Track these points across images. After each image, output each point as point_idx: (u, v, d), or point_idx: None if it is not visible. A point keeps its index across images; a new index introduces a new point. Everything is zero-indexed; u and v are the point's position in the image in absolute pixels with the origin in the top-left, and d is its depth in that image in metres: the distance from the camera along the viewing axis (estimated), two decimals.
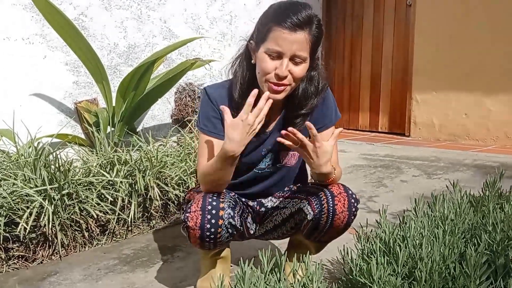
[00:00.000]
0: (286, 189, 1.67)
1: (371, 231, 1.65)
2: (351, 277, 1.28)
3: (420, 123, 4.44)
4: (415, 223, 1.28)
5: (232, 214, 1.43)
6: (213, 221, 1.40)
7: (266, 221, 1.65)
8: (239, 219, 1.46)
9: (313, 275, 1.13)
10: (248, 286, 1.13)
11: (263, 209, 1.65)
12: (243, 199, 1.65)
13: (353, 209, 1.46)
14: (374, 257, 1.30)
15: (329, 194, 1.47)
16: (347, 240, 1.86)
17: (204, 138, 1.52)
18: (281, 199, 1.64)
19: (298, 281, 1.18)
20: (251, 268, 1.18)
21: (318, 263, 1.25)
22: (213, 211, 1.40)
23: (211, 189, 1.47)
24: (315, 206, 1.48)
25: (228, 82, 1.55)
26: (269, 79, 1.40)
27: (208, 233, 1.41)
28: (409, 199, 2.67)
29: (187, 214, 1.42)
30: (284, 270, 1.62)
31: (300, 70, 1.40)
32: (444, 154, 3.69)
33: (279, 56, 1.37)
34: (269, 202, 1.65)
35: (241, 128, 1.33)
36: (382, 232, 1.38)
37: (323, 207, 1.45)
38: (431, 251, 1.24)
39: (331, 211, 1.44)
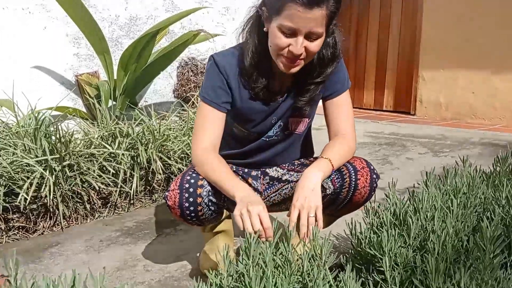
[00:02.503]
0: (296, 162, 1.62)
1: (379, 205, 1.61)
2: (360, 249, 1.25)
3: (426, 102, 4.37)
4: (427, 195, 1.23)
5: (213, 191, 1.36)
6: (191, 199, 1.34)
7: (272, 193, 1.61)
8: (222, 195, 1.38)
9: (322, 247, 1.10)
10: (254, 257, 1.09)
11: (267, 178, 1.60)
12: (246, 170, 1.60)
13: (374, 185, 1.42)
14: (384, 229, 1.26)
15: (351, 169, 1.41)
16: (353, 215, 1.82)
17: (204, 108, 1.43)
18: (291, 172, 1.59)
19: (306, 252, 1.15)
20: (258, 238, 1.14)
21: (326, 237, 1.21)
22: (191, 189, 1.35)
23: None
24: (336, 180, 1.42)
25: (237, 49, 1.47)
26: (283, 54, 1.32)
27: (188, 212, 1.35)
28: (415, 176, 2.64)
29: (167, 193, 1.37)
30: (292, 243, 1.60)
31: (315, 46, 1.31)
32: (451, 133, 3.63)
33: (293, 33, 1.29)
34: (274, 172, 1.60)
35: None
36: (392, 205, 1.33)
37: (344, 181, 1.40)
38: (444, 224, 1.20)
39: (352, 185, 1.39)
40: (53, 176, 2.00)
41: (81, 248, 1.87)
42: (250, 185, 1.58)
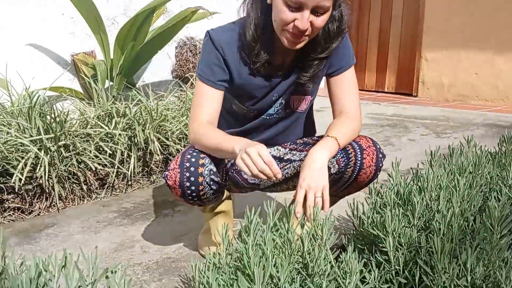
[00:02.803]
0: (298, 141, 1.57)
1: (381, 186, 1.58)
2: (362, 230, 1.21)
3: (428, 83, 4.31)
4: (432, 175, 1.19)
5: (214, 170, 1.32)
6: (192, 179, 1.30)
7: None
8: (223, 175, 1.35)
9: (323, 226, 1.06)
10: (253, 237, 1.06)
11: None
12: None
13: (380, 165, 1.37)
14: (388, 209, 1.22)
15: (357, 147, 1.36)
16: (355, 195, 1.78)
17: (200, 86, 1.38)
18: (293, 151, 1.54)
19: (306, 232, 1.11)
20: (257, 219, 1.11)
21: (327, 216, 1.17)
22: (192, 168, 1.30)
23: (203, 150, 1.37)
24: (341, 159, 1.37)
25: (237, 24, 1.41)
26: (288, 29, 1.26)
27: (189, 191, 1.32)
28: (418, 157, 2.60)
29: (166, 173, 1.33)
30: (292, 222, 1.57)
31: (321, 20, 1.25)
32: (453, 114, 3.58)
33: (299, 7, 1.22)
34: (275, 151, 1.56)
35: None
36: (396, 185, 1.29)
37: (350, 160, 1.36)
38: (449, 203, 1.16)
39: (358, 165, 1.34)
40: (48, 156, 1.96)
41: (78, 229, 1.84)
42: None
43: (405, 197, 1.21)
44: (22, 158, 1.95)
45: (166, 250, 1.63)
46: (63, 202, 2.09)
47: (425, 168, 1.55)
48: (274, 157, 1.55)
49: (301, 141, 1.57)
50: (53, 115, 2.08)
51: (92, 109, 2.36)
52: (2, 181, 1.92)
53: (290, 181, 1.56)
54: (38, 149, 1.96)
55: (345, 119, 1.41)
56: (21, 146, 1.98)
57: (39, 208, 2.04)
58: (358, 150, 1.35)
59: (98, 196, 2.20)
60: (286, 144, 1.56)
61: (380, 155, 1.37)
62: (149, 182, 2.39)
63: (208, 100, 1.37)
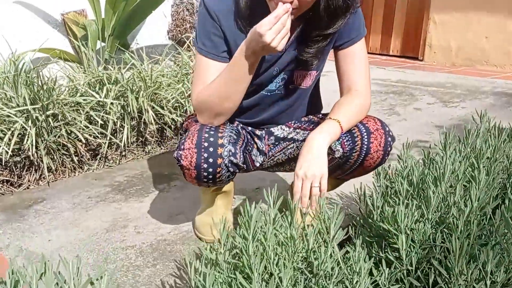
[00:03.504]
0: (303, 119, 1.46)
1: (389, 166, 1.48)
2: (371, 220, 1.12)
3: (435, 46, 4.14)
4: (447, 162, 1.09)
5: (233, 151, 1.22)
6: (210, 160, 1.19)
7: (277, 153, 1.46)
8: (241, 156, 1.25)
9: (331, 221, 0.97)
10: (253, 232, 0.97)
11: (272, 138, 1.45)
12: (249, 128, 1.45)
13: (389, 149, 1.26)
14: (398, 198, 1.13)
15: (364, 131, 1.25)
16: (361, 177, 1.69)
17: (202, 60, 1.26)
18: (297, 130, 1.44)
19: (312, 226, 1.02)
20: (259, 208, 1.01)
21: (336, 203, 1.08)
22: (211, 149, 1.19)
23: (211, 119, 1.26)
24: (345, 143, 1.26)
25: None
26: None
27: (205, 173, 1.21)
28: (424, 128, 2.50)
29: (180, 152, 1.22)
30: (296, 217, 1.48)
31: None
32: (461, 80, 3.45)
33: None
34: (279, 130, 1.45)
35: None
36: (408, 172, 1.19)
37: (355, 144, 1.25)
38: (466, 194, 1.06)
39: (364, 149, 1.24)
40: (36, 127, 1.85)
41: (68, 205, 1.75)
42: (255, 145, 1.44)
43: (418, 187, 1.11)
44: (9, 129, 1.84)
45: (161, 231, 1.55)
46: (53, 175, 1.99)
47: (436, 148, 1.45)
48: (278, 137, 1.45)
49: (306, 119, 1.46)
50: (40, 83, 1.95)
51: (82, 75, 2.23)
52: None
53: (293, 162, 1.46)
54: (25, 119, 1.85)
55: (352, 98, 1.29)
56: (7, 117, 1.86)
57: (29, 180, 1.95)
58: (365, 134, 1.25)
59: (90, 167, 2.11)
60: (290, 123, 1.45)
61: (389, 139, 1.26)
62: (144, 153, 2.29)
63: (210, 74, 1.25)
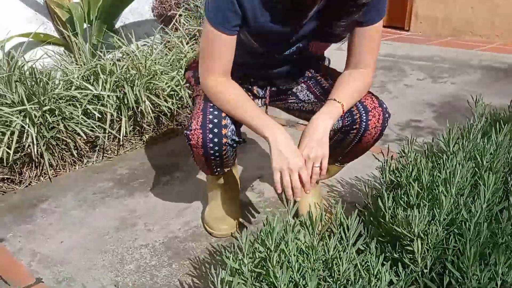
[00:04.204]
0: (307, 74, 1.47)
1: (392, 158, 1.52)
2: (382, 221, 1.17)
3: (422, 17, 4.14)
4: (457, 166, 1.13)
5: (235, 129, 1.29)
6: (216, 140, 1.26)
7: (278, 102, 1.52)
8: (240, 131, 1.33)
9: (351, 227, 1.01)
10: (275, 242, 1.00)
11: (274, 88, 1.48)
12: (251, 79, 1.47)
13: (386, 125, 1.31)
14: (409, 199, 1.18)
15: (362, 109, 1.28)
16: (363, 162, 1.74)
17: (211, 32, 1.22)
18: (302, 85, 1.46)
19: (324, 226, 1.07)
20: (279, 223, 1.05)
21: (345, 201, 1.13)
22: (215, 130, 1.26)
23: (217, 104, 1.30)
24: (346, 120, 1.31)
25: None
26: None
27: (212, 151, 1.29)
28: (416, 107, 2.54)
29: (188, 132, 1.28)
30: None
31: None
32: (448, 53, 3.49)
33: None
34: (282, 81, 1.47)
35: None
36: (415, 170, 1.24)
37: (355, 120, 1.29)
38: (474, 194, 1.12)
39: (363, 127, 1.28)
40: (35, 126, 1.83)
41: (74, 203, 1.76)
42: (255, 94, 1.48)
43: (428, 189, 1.16)
44: (8, 126, 1.82)
45: (171, 227, 1.58)
46: (54, 170, 1.99)
47: (440, 143, 1.50)
48: (281, 90, 1.48)
49: (310, 74, 1.47)
50: (34, 78, 1.91)
51: (74, 66, 2.18)
52: None
53: (301, 113, 1.51)
54: (23, 117, 1.82)
55: (358, 77, 1.31)
56: (5, 117, 1.83)
57: (29, 177, 1.94)
58: (363, 112, 1.29)
59: (89, 160, 2.10)
60: (295, 76, 1.46)
61: (387, 115, 1.31)
62: (141, 142, 2.29)
63: (223, 48, 1.24)
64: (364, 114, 1.29)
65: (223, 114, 1.28)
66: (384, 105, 1.31)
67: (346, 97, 1.27)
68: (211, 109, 1.28)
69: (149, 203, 1.75)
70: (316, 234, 1.05)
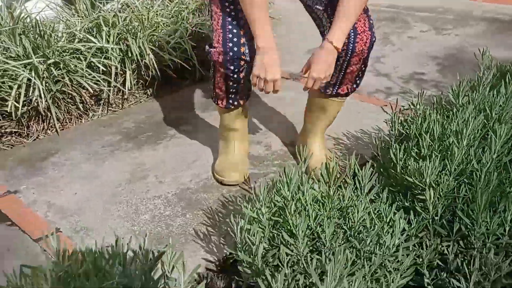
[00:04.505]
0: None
1: (400, 110, 1.54)
2: (393, 171, 1.20)
3: None
4: (470, 118, 1.15)
5: (250, 45, 1.38)
6: (235, 56, 1.37)
7: None
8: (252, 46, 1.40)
9: (365, 178, 1.04)
10: (292, 192, 1.04)
11: None
12: None
13: (371, 48, 1.39)
14: (417, 150, 1.21)
15: (352, 32, 1.34)
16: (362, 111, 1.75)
17: None
18: (326, 16, 1.46)
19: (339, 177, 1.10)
20: (297, 175, 1.07)
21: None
22: (235, 49, 1.37)
23: None
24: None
25: None
26: None
27: (232, 67, 1.39)
28: (420, 59, 2.53)
29: (211, 49, 1.40)
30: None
31: None
32: (450, 4, 3.43)
33: None
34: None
35: None
36: (426, 122, 1.26)
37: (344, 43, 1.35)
38: (486, 148, 1.14)
39: (350, 49, 1.36)
40: (42, 79, 1.81)
41: (83, 156, 1.78)
42: None
43: (439, 141, 1.18)
44: (14, 80, 1.80)
45: (182, 179, 1.62)
46: (60, 123, 1.99)
47: (449, 95, 1.51)
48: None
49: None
50: (38, 31, 1.88)
51: (77, 19, 2.14)
52: None
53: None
54: (29, 70, 1.80)
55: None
56: (12, 70, 1.81)
57: (37, 130, 1.95)
58: (352, 35, 1.35)
59: (95, 113, 2.11)
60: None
61: (373, 39, 1.38)
62: (145, 96, 2.28)
63: None
64: (352, 37, 1.36)
65: (242, 32, 1.37)
66: (373, 29, 1.40)
67: (349, 24, 1.32)
68: (229, 26, 1.37)
69: (157, 156, 1.77)
70: (332, 184, 1.08)
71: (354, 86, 1.50)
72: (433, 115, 1.22)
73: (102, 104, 2.14)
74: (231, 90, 1.47)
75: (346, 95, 1.52)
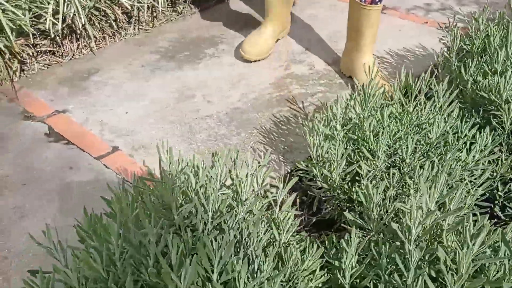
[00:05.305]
0: None
1: (456, 26, 1.50)
2: (463, 87, 1.19)
3: None
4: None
5: None
6: None
7: None
8: None
9: (445, 99, 1.03)
10: (369, 108, 1.03)
11: None
12: None
13: None
14: (487, 66, 1.19)
15: None
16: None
17: None
18: None
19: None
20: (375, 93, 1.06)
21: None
22: None
23: None
24: None
25: None
26: None
27: None
28: None
29: None
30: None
31: None
32: None
33: None
34: None
35: None
36: (496, 37, 1.22)
37: None
38: None
39: None
40: None
41: (125, 75, 1.75)
42: None
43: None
44: None
45: (230, 99, 1.60)
46: (94, 42, 1.93)
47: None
48: None
49: None
50: None
51: None
52: (31, 24, 1.73)
53: None
54: None
55: None
56: None
57: (71, 49, 1.89)
58: None
59: (127, 32, 2.04)
60: None
61: None
62: (175, 13, 2.20)
63: None
64: None
65: None
66: None
67: None
68: None
69: (200, 75, 1.74)
70: (410, 100, 1.07)
71: None
72: (497, 32, 1.19)
73: (133, 23, 2.06)
74: None
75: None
